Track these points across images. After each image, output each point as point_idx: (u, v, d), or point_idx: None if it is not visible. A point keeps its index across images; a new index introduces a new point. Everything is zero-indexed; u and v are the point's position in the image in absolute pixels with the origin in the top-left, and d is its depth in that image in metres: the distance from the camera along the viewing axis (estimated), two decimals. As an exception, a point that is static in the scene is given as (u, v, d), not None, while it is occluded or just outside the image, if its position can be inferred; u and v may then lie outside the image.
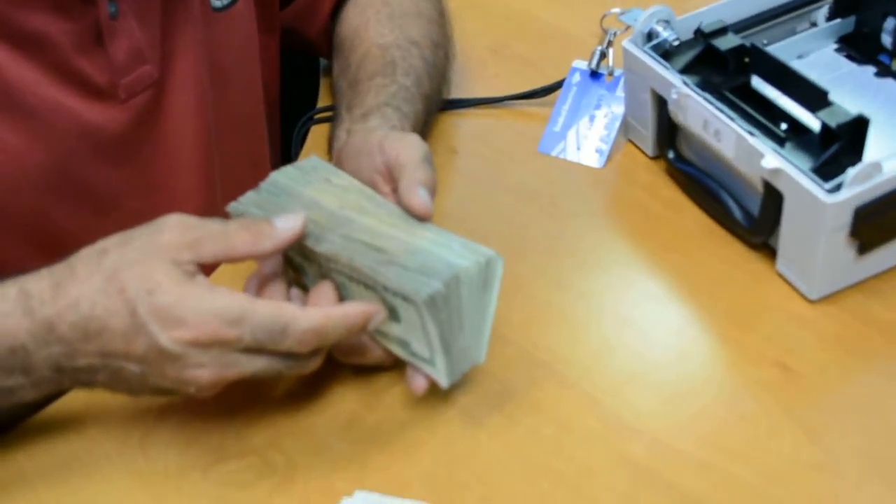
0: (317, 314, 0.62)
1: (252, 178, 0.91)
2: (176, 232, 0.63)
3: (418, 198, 0.68)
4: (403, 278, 0.63)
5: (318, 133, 0.97)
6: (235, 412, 0.70)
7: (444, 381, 0.67)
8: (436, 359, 0.66)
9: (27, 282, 0.63)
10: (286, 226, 0.64)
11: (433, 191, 0.70)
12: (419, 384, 0.68)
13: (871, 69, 0.88)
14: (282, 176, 0.73)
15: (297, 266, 0.71)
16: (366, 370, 0.72)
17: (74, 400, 0.72)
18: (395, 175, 0.71)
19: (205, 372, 0.61)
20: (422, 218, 0.68)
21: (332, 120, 0.91)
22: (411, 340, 0.66)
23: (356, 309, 0.64)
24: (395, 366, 0.70)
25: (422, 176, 0.70)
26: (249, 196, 0.72)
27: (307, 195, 0.71)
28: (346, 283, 0.67)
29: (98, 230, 0.76)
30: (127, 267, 0.61)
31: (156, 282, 0.60)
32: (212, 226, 0.64)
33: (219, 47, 0.84)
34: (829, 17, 0.91)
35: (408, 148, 0.72)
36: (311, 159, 0.75)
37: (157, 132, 0.80)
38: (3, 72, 0.69)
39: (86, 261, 0.63)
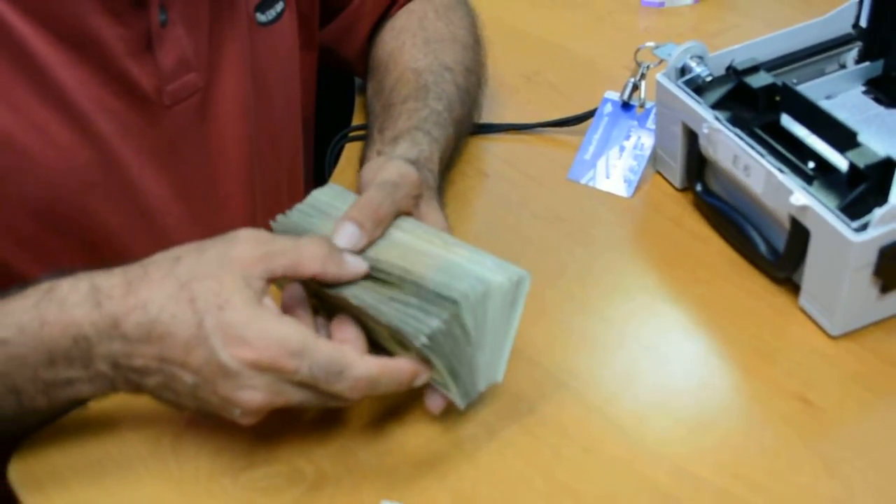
0: (375, 364, 0.64)
1: (288, 189, 0.94)
2: (248, 245, 0.65)
3: (338, 234, 0.69)
4: (405, 316, 0.65)
5: (351, 150, 0.99)
6: (266, 421, 0.71)
7: (460, 403, 0.68)
8: (448, 384, 0.68)
9: (99, 277, 0.65)
10: (354, 263, 0.67)
11: (375, 213, 0.70)
12: (436, 404, 0.70)
13: (898, 112, 0.90)
14: (323, 194, 0.75)
15: (313, 292, 0.71)
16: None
17: (109, 402, 0.73)
18: None
19: (256, 395, 0.63)
20: (349, 250, 0.69)
21: (365, 139, 0.93)
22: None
23: (408, 366, 0.66)
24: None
25: (361, 203, 0.70)
26: (291, 214, 0.74)
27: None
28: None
29: (142, 231, 0.79)
30: (200, 279, 0.63)
31: (226, 298, 0.62)
32: (283, 240, 0.66)
33: (262, 61, 0.86)
34: (858, 60, 0.93)
35: (377, 173, 0.75)
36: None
37: (200, 139, 0.82)
38: (56, 71, 0.71)
39: (159, 265, 0.65)
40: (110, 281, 0.65)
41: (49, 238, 0.76)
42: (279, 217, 0.74)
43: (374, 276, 0.68)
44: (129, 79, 0.75)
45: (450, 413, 0.72)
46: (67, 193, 0.75)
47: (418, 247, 0.70)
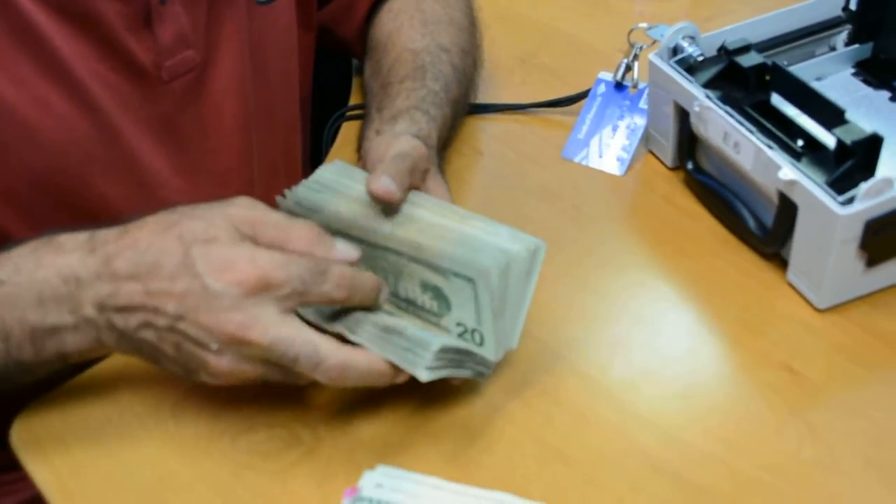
0: (351, 254, 0.68)
1: (285, 166, 0.95)
2: (244, 207, 0.67)
3: (375, 182, 0.70)
4: (461, 256, 0.67)
5: (348, 129, 1.00)
6: (264, 387, 0.73)
7: (492, 356, 0.70)
8: (486, 334, 0.69)
9: (100, 229, 0.67)
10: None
11: (402, 180, 0.73)
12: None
13: (885, 94, 0.91)
14: (328, 171, 0.76)
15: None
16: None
17: (109, 367, 0.75)
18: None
19: (234, 318, 0.62)
20: (385, 201, 0.71)
21: (362, 118, 0.94)
22: (462, 319, 0.69)
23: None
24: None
25: (388, 168, 0.73)
26: (298, 190, 0.75)
27: (357, 190, 0.74)
28: (396, 267, 0.70)
29: (140, 204, 0.80)
30: (190, 219, 0.65)
31: (214, 235, 0.64)
32: (277, 214, 0.68)
33: (260, 39, 0.87)
34: (848, 43, 0.95)
35: (388, 147, 0.76)
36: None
37: (197, 114, 0.83)
38: (57, 44, 0.73)
39: (156, 216, 0.67)
40: (108, 230, 0.67)
41: (49, 208, 0.77)
42: (286, 192, 0.75)
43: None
44: (128, 54, 0.77)
45: (445, 383, 0.73)
46: (67, 165, 0.76)
47: (434, 220, 0.72)
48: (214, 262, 0.63)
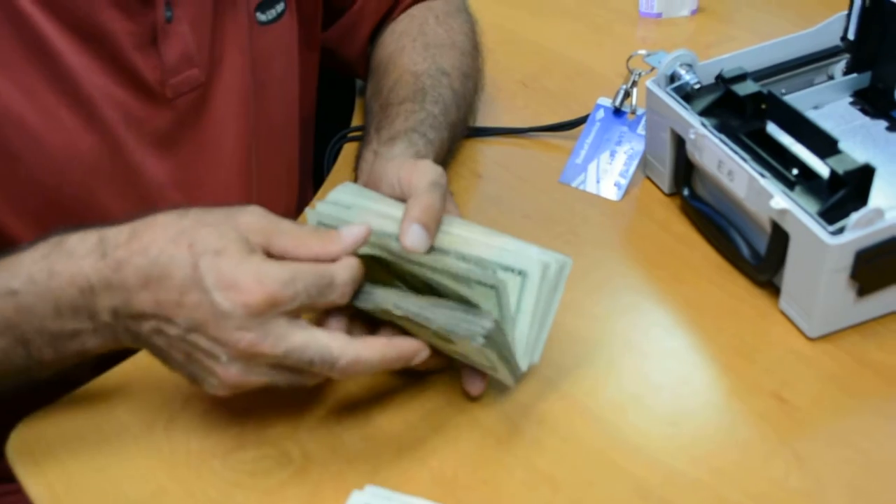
0: (348, 262, 0.68)
1: (286, 185, 0.97)
2: (255, 216, 0.68)
3: (408, 238, 0.70)
4: (456, 320, 0.67)
5: (350, 150, 1.01)
6: (255, 406, 0.74)
7: (511, 382, 0.73)
8: (498, 368, 0.71)
9: (108, 230, 0.68)
10: (352, 232, 0.69)
11: (436, 216, 0.72)
12: (477, 388, 0.74)
13: (883, 123, 0.92)
14: (343, 193, 0.77)
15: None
16: (378, 376, 0.76)
17: (105, 384, 0.76)
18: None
19: (245, 336, 0.64)
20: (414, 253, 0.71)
21: (361, 139, 0.95)
22: (469, 355, 0.71)
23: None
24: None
25: (423, 205, 0.72)
26: (319, 206, 0.76)
27: (375, 209, 0.75)
28: (420, 279, 0.71)
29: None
30: (202, 226, 0.66)
31: (223, 246, 0.64)
32: (288, 223, 0.69)
33: (261, 59, 0.88)
34: (846, 72, 0.95)
35: (418, 175, 0.75)
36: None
37: (200, 131, 0.84)
38: (67, 59, 0.75)
39: (166, 216, 0.68)
40: (118, 231, 0.67)
41: (54, 217, 0.79)
42: (308, 211, 0.76)
43: (413, 276, 0.71)
44: (135, 71, 0.78)
45: (435, 403, 0.74)
46: (73, 176, 0.78)
47: (462, 234, 0.73)
48: (223, 279, 0.64)
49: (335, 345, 0.66)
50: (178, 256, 0.64)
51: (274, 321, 0.64)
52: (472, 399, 0.75)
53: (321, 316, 0.71)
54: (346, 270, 0.67)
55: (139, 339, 0.68)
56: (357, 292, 0.70)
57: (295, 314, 0.66)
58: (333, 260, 0.68)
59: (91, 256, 0.66)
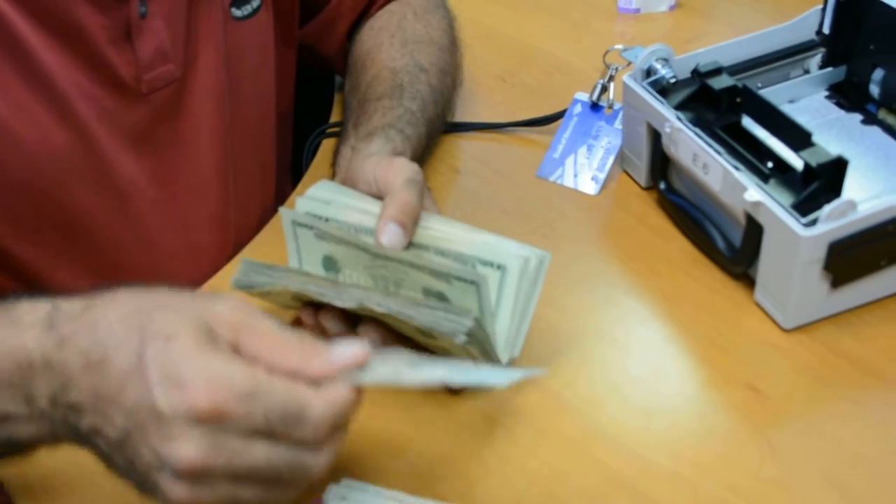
0: (333, 397, 0.55)
1: (261, 180, 0.97)
2: (229, 307, 0.57)
3: (384, 236, 0.70)
4: (438, 318, 0.66)
5: (328, 146, 1.01)
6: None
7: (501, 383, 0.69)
8: (478, 363, 0.71)
9: (64, 300, 0.59)
10: (345, 354, 0.57)
11: (413, 213, 0.72)
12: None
13: (858, 117, 0.92)
14: (321, 190, 0.77)
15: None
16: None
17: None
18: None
19: (190, 448, 0.52)
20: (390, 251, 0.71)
21: (339, 135, 0.95)
22: (450, 350, 0.71)
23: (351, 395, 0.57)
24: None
25: (399, 203, 0.71)
26: (299, 202, 0.76)
27: (354, 205, 0.75)
28: (397, 275, 0.72)
29: (117, 213, 0.81)
30: (160, 309, 0.56)
31: (177, 331, 0.54)
32: (269, 322, 0.57)
33: (236, 55, 0.88)
34: (822, 66, 0.96)
35: (394, 172, 0.75)
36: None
37: (175, 127, 0.84)
38: (40, 55, 0.75)
39: (128, 292, 0.59)
40: (73, 302, 0.59)
41: (29, 214, 0.79)
42: (282, 210, 0.76)
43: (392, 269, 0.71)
44: (109, 66, 0.78)
45: (410, 398, 0.74)
46: (47, 172, 0.78)
47: (440, 231, 0.73)
48: (168, 372, 0.53)
49: (308, 405, 0.54)
50: (125, 342, 0.55)
51: (223, 437, 0.53)
52: (452, 393, 0.75)
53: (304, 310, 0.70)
54: (325, 406, 0.54)
55: (78, 435, 0.57)
56: (339, 290, 0.70)
57: (248, 434, 0.53)
58: (315, 382, 0.56)
59: (37, 327, 0.57)
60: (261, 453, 0.54)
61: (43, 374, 0.57)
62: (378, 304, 0.68)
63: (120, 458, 0.56)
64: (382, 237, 0.70)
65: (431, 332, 0.67)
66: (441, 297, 0.70)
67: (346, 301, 0.69)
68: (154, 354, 0.53)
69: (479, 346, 0.69)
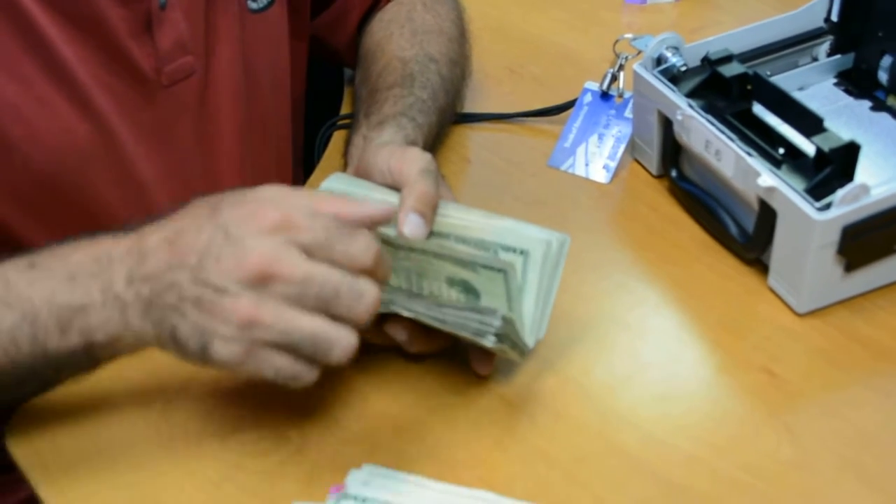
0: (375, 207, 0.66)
1: (277, 173, 0.97)
2: (276, 190, 0.66)
3: (407, 226, 0.71)
4: (465, 321, 0.68)
5: (339, 138, 1.02)
6: (253, 390, 0.75)
7: (519, 360, 0.74)
8: (509, 354, 0.72)
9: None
10: (376, 206, 0.67)
11: (432, 203, 0.73)
12: (485, 368, 0.74)
13: (867, 103, 0.93)
14: (336, 182, 0.78)
15: None
16: (374, 358, 0.76)
17: (101, 373, 0.76)
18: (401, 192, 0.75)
19: (263, 251, 0.60)
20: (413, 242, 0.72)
21: (350, 125, 0.96)
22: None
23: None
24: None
25: (418, 193, 0.73)
26: (328, 186, 0.77)
27: (371, 197, 0.76)
28: (420, 266, 0.72)
29: (136, 206, 0.82)
30: (229, 205, 0.64)
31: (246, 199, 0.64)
32: (305, 191, 0.68)
33: (252, 47, 0.89)
34: (830, 53, 0.97)
35: (408, 163, 0.76)
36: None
37: (195, 120, 0.85)
38: (61, 48, 0.75)
39: (194, 205, 0.67)
40: (152, 225, 0.67)
41: (50, 206, 0.79)
42: None
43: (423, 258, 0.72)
44: (129, 58, 0.79)
45: (429, 385, 0.75)
46: (67, 165, 0.78)
47: (466, 221, 0.74)
48: (240, 213, 0.62)
49: (363, 280, 0.62)
50: (203, 227, 0.63)
51: (288, 248, 0.61)
52: (477, 378, 0.75)
53: None
54: (369, 237, 0.64)
55: (150, 306, 0.63)
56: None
57: (311, 246, 0.62)
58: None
59: (116, 236, 0.66)
60: (322, 267, 0.61)
61: (121, 260, 0.65)
62: (405, 308, 0.69)
63: (188, 305, 0.62)
64: (405, 228, 0.71)
65: (459, 335, 0.68)
66: (466, 285, 0.71)
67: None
68: (227, 206, 0.63)
69: (510, 342, 0.69)
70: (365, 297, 0.62)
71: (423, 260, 0.71)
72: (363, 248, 0.62)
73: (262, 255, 0.60)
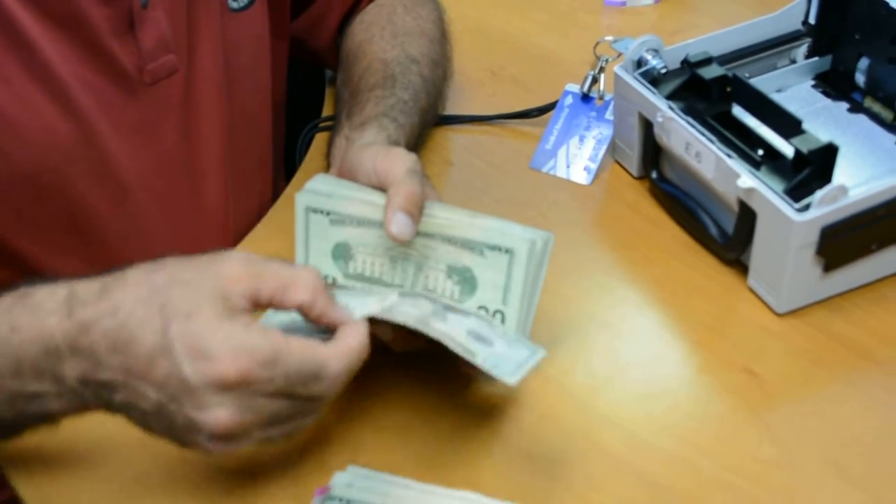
0: (347, 351, 0.62)
1: (259, 171, 0.97)
2: (236, 263, 0.62)
3: (394, 226, 0.71)
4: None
5: (321, 140, 1.02)
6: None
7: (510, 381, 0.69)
8: (508, 314, 0.73)
9: (78, 284, 0.63)
10: (343, 312, 0.64)
11: (419, 202, 0.73)
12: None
13: (844, 105, 0.94)
14: (320, 183, 0.78)
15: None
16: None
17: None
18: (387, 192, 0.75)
19: (222, 414, 0.59)
20: (399, 243, 0.72)
21: (332, 127, 0.96)
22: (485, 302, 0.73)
23: (364, 339, 0.64)
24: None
25: (405, 193, 0.72)
26: (302, 197, 0.76)
27: (360, 197, 0.76)
28: (423, 252, 0.73)
29: (119, 204, 0.82)
30: (175, 285, 0.60)
31: (197, 306, 0.59)
32: (276, 264, 0.63)
33: (233, 46, 0.89)
34: (808, 55, 0.97)
35: (394, 163, 0.75)
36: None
37: (177, 119, 0.85)
38: (43, 47, 0.75)
39: (139, 271, 0.62)
40: (88, 286, 0.62)
41: (33, 206, 0.79)
42: (298, 195, 0.76)
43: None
44: (112, 57, 0.79)
45: (414, 385, 0.75)
46: (50, 164, 0.78)
47: (451, 221, 0.74)
48: (193, 349, 0.58)
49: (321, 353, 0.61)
50: (148, 321, 0.59)
51: (249, 398, 0.59)
52: (461, 380, 0.75)
53: None
54: (340, 361, 0.61)
55: (111, 407, 0.62)
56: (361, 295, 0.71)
57: (272, 394, 0.60)
58: (329, 328, 0.64)
59: (58, 314, 0.61)
60: (284, 404, 0.60)
61: (70, 358, 0.60)
62: (423, 323, 0.68)
63: (156, 424, 0.61)
64: (392, 227, 0.71)
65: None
66: (466, 272, 0.72)
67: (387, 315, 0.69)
68: (178, 332, 0.58)
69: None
70: (329, 399, 0.63)
71: (427, 246, 0.72)
72: (326, 388, 0.62)
73: (224, 418, 0.59)
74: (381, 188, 0.75)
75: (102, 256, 0.84)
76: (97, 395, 0.61)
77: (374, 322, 0.71)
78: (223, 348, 0.58)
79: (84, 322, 0.60)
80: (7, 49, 0.74)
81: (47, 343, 0.61)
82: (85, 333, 0.60)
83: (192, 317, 0.59)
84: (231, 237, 0.92)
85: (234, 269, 0.61)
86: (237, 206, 0.92)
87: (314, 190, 0.77)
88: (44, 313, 0.61)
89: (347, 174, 0.79)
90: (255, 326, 0.60)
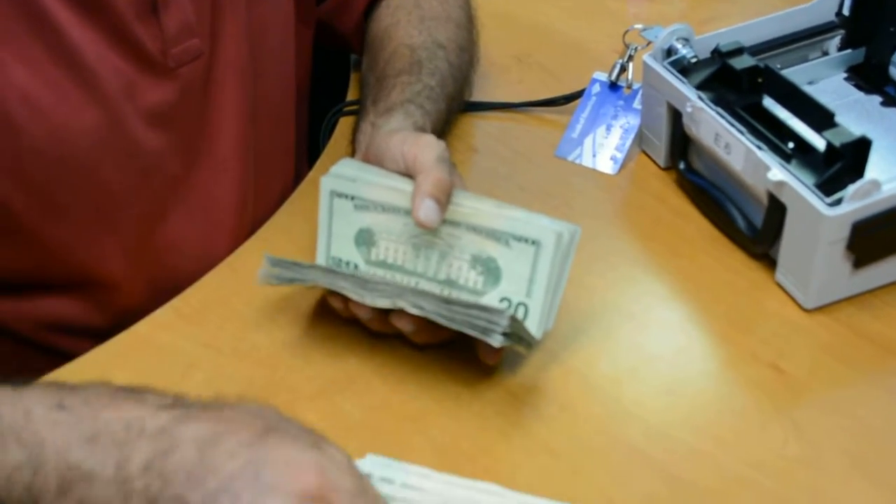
0: None
1: (282, 160, 0.96)
2: (340, 472, 0.58)
3: (422, 211, 0.71)
4: (472, 319, 0.68)
5: (345, 125, 1.01)
6: (256, 377, 0.74)
7: (525, 352, 0.74)
8: (531, 307, 0.73)
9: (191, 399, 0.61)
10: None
11: (447, 190, 0.73)
12: (493, 356, 0.73)
13: (877, 98, 0.92)
14: (346, 167, 0.78)
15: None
16: (379, 348, 0.76)
17: (97, 358, 0.76)
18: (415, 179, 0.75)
19: None
20: (426, 229, 0.72)
21: (357, 112, 0.95)
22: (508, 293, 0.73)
23: None
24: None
25: (433, 180, 0.72)
26: (327, 181, 0.77)
27: (386, 183, 0.75)
28: (448, 241, 0.73)
29: (141, 189, 0.81)
30: (274, 460, 0.56)
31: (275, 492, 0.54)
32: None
33: (258, 31, 0.88)
34: (841, 48, 0.96)
35: (423, 149, 0.75)
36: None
37: (201, 104, 0.84)
38: (69, 31, 0.74)
39: (255, 413, 0.60)
40: (199, 401, 0.61)
41: (55, 189, 0.79)
42: (324, 179, 0.77)
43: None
44: (136, 41, 0.78)
45: (434, 374, 0.74)
46: (77, 149, 0.77)
47: (478, 210, 0.74)
48: (281, 456, 0.56)
49: None
50: (242, 440, 0.56)
51: None
52: (482, 369, 0.75)
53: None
54: None
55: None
56: (370, 287, 0.71)
57: None
58: None
59: (158, 405, 0.59)
60: None
61: (150, 439, 0.57)
62: (413, 305, 0.69)
63: None
64: (420, 213, 0.71)
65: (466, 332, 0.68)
66: (491, 263, 0.71)
67: (377, 300, 0.70)
68: (266, 453, 0.55)
69: (517, 338, 0.69)
70: None
71: (453, 234, 0.72)
72: None
73: None
74: (409, 174, 0.75)
75: (126, 241, 0.83)
76: (147, 487, 0.56)
77: (395, 314, 0.71)
78: (315, 462, 0.56)
79: (183, 413, 0.58)
80: (33, 33, 0.73)
81: (133, 422, 0.58)
82: (177, 422, 0.58)
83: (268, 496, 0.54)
84: (250, 223, 0.91)
85: (335, 480, 0.56)
86: (259, 190, 0.92)
87: (339, 174, 0.77)
88: (146, 402, 0.59)
89: (373, 160, 0.79)
90: None
